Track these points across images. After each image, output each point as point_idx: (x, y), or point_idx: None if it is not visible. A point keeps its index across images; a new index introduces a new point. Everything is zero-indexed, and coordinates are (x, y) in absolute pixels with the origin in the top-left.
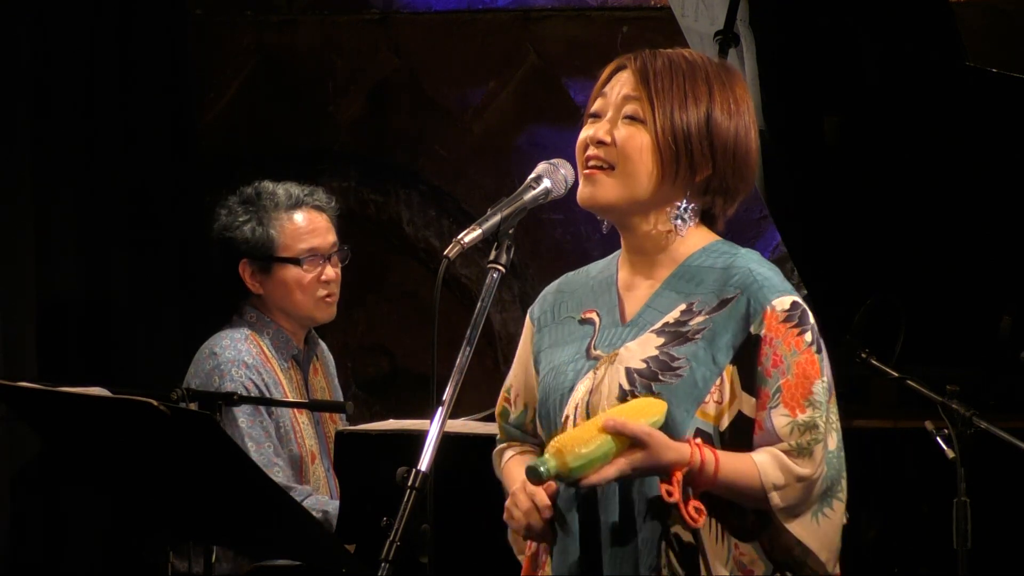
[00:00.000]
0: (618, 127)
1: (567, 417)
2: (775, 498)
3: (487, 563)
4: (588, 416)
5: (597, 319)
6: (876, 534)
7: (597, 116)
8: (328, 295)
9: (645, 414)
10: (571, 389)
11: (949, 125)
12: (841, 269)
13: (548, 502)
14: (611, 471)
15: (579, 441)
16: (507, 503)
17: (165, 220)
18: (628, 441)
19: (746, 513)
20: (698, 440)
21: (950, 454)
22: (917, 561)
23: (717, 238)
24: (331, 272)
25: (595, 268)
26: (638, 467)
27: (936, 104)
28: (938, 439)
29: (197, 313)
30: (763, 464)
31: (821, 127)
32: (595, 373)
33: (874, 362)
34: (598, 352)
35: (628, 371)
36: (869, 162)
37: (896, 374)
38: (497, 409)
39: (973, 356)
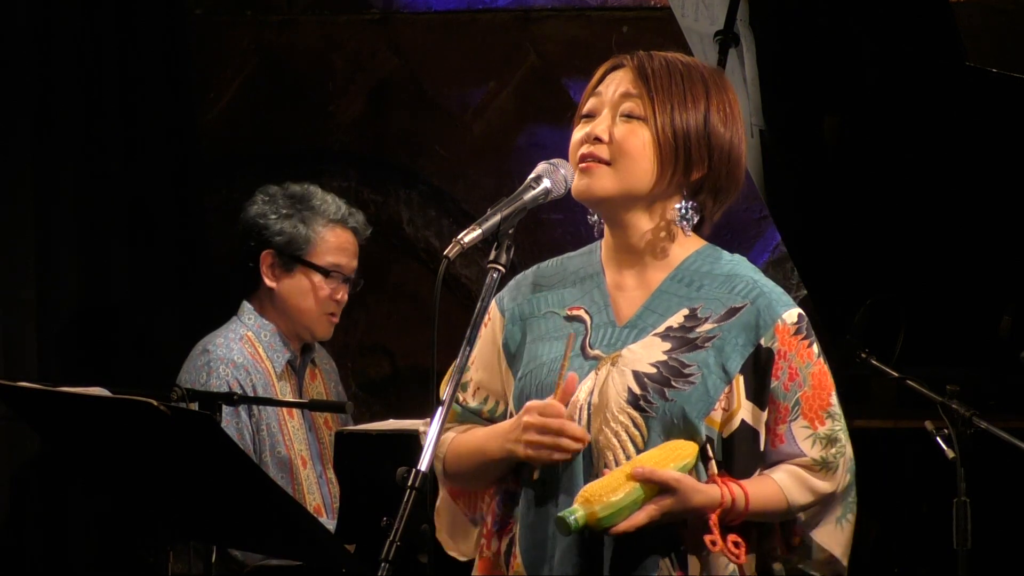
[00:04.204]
0: (616, 124)
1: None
2: (801, 517)
3: None
4: (590, 417)
5: (587, 317)
6: (876, 534)
7: (591, 116)
8: (332, 314)
9: (675, 458)
10: None
11: (949, 125)
12: (841, 269)
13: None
14: (641, 517)
15: (607, 489)
16: (532, 442)
17: (165, 220)
18: (657, 487)
19: (750, 530)
20: (722, 475)
21: (950, 454)
22: (917, 561)
23: (705, 243)
24: (344, 294)
25: (571, 262)
26: (668, 512)
27: (936, 104)
28: (938, 439)
29: (197, 313)
30: (786, 486)
31: (821, 127)
32: (596, 374)
33: (874, 362)
34: (596, 352)
35: (637, 375)
36: (869, 162)
37: (896, 374)
38: (445, 393)
39: (973, 356)
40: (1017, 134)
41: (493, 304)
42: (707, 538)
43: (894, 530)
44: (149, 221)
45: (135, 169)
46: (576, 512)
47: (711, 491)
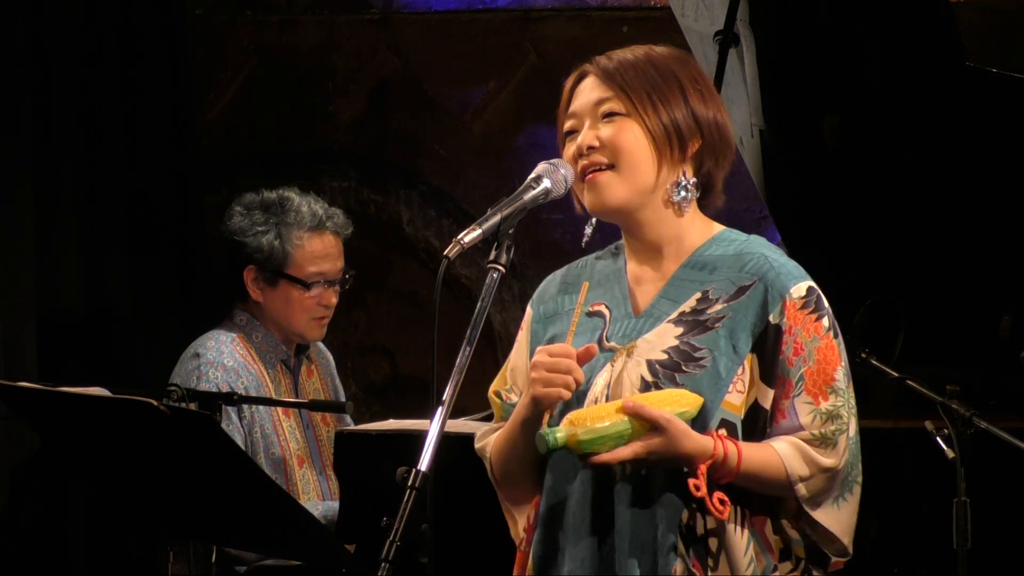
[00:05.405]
0: (600, 129)
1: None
2: (801, 489)
3: (487, 563)
4: None
5: (607, 311)
6: (876, 534)
7: (574, 132)
8: (323, 318)
9: (672, 404)
10: (588, 382)
11: (949, 125)
12: (841, 269)
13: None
14: (626, 452)
15: (594, 417)
16: (541, 379)
17: (165, 221)
18: (647, 426)
19: (766, 498)
20: (722, 431)
21: (950, 454)
22: (917, 561)
23: (723, 228)
24: (332, 298)
25: (600, 260)
26: (655, 452)
27: (936, 104)
28: (938, 439)
29: (197, 315)
30: (787, 456)
31: (821, 127)
32: (612, 366)
33: (874, 362)
34: (612, 344)
35: (650, 363)
36: (869, 162)
37: (896, 374)
38: (492, 390)
39: (973, 356)
40: (1017, 134)
41: (529, 305)
42: (691, 482)
43: (894, 530)
44: (149, 221)
45: (135, 169)
46: (557, 432)
47: (703, 440)
